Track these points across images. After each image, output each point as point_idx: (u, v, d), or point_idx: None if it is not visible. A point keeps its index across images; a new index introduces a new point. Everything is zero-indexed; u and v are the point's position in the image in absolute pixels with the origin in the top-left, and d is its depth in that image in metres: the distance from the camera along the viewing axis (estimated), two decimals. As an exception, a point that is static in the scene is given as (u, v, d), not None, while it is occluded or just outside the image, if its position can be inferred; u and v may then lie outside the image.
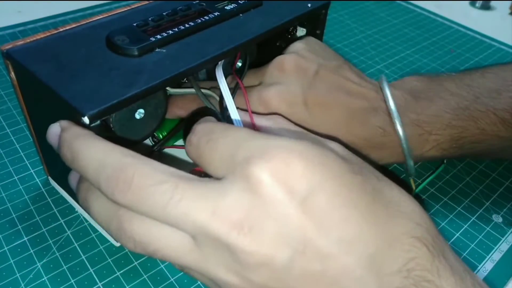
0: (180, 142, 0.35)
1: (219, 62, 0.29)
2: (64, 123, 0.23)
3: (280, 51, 0.33)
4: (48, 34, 0.28)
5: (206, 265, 0.19)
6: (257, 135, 0.19)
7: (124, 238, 0.20)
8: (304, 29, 0.36)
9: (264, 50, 0.39)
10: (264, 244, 0.17)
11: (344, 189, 0.18)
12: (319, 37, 0.36)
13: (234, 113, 0.27)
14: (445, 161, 0.38)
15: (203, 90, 0.31)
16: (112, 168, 0.19)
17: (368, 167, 0.21)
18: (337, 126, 0.30)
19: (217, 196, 0.18)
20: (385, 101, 0.30)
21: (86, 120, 0.22)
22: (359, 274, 0.17)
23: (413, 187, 0.35)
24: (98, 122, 0.23)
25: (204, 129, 0.21)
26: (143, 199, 0.18)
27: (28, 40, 0.27)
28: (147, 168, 0.19)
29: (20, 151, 0.36)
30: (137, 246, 0.20)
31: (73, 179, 0.24)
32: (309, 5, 0.33)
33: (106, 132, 0.27)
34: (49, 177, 0.33)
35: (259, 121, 0.27)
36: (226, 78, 0.30)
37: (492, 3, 0.68)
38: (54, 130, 0.23)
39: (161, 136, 0.34)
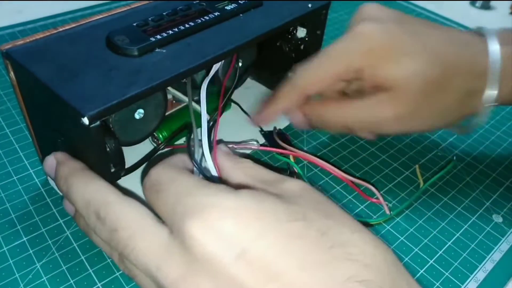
0: (180, 142, 0.35)
1: (203, 85, 0.30)
2: (59, 156, 0.26)
3: (281, 51, 0.32)
4: (48, 34, 0.28)
5: None
6: (197, 190, 0.20)
7: (120, 262, 0.23)
8: (305, 29, 0.36)
9: (265, 50, 0.39)
10: None
11: (280, 240, 0.18)
12: (320, 37, 0.36)
13: (206, 153, 0.27)
14: (454, 158, 0.38)
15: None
16: (94, 206, 0.22)
17: (322, 205, 0.21)
18: (437, 45, 0.30)
19: (162, 252, 0.19)
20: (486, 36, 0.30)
21: (85, 120, 0.22)
22: None
23: (420, 178, 0.35)
24: (98, 122, 0.23)
25: (155, 176, 0.22)
26: (111, 240, 0.21)
27: (28, 40, 0.27)
28: (117, 210, 0.21)
29: (19, 151, 0.36)
30: (125, 269, 0.23)
31: (68, 207, 0.27)
32: (310, 5, 0.33)
33: (105, 132, 0.27)
34: (48, 177, 0.33)
35: (224, 163, 0.26)
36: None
37: (492, 3, 0.68)
38: (50, 163, 0.26)
39: (160, 136, 0.34)
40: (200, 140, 0.27)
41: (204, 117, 0.29)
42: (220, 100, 0.33)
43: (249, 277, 0.17)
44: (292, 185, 0.22)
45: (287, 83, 0.32)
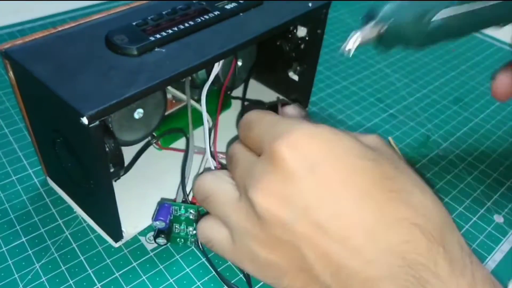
0: (178, 145, 0.35)
1: (204, 88, 0.30)
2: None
3: (281, 50, 0.32)
4: (47, 33, 0.28)
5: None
6: (282, 121, 0.23)
7: None
8: (305, 28, 0.36)
9: (265, 49, 0.39)
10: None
11: (345, 169, 0.20)
12: (320, 36, 0.36)
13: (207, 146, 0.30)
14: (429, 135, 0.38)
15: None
16: None
17: (395, 159, 0.22)
18: None
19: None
20: None
21: (85, 120, 0.22)
22: (357, 243, 0.19)
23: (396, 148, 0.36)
24: (97, 122, 0.23)
25: (246, 117, 0.25)
26: None
27: (27, 40, 0.27)
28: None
29: (19, 151, 0.35)
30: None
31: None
32: (310, 4, 0.33)
33: (105, 132, 0.27)
34: (48, 177, 0.33)
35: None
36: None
37: (493, 2, 0.68)
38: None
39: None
40: (196, 147, 0.28)
41: (205, 119, 0.29)
42: (220, 103, 0.33)
43: (312, 187, 0.20)
44: (370, 137, 0.23)
45: None
